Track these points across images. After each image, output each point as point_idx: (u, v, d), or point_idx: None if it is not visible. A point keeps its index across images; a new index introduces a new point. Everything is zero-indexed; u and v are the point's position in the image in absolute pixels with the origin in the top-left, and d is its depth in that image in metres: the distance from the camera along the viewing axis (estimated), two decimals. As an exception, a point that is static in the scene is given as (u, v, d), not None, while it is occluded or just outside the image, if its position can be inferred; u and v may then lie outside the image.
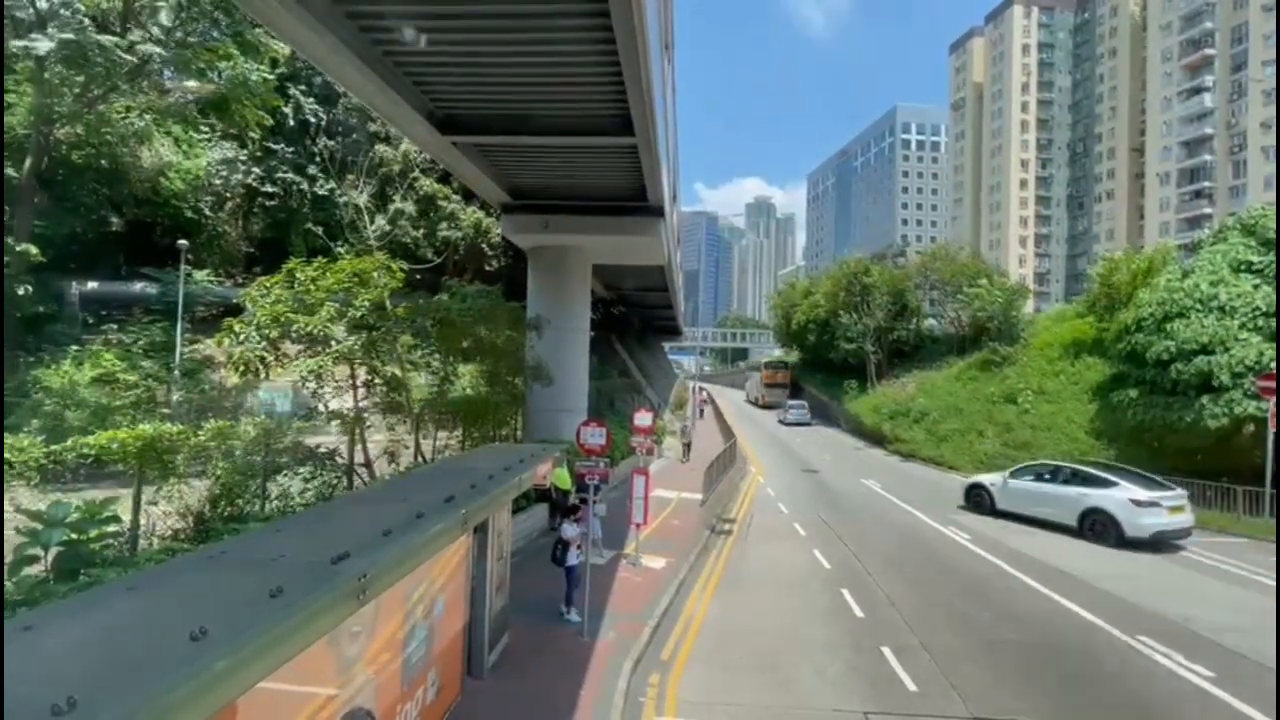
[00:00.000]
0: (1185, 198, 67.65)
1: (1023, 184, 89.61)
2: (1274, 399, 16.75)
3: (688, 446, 27.55)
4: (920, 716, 7.05)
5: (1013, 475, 17.83)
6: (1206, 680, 7.94)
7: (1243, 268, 20.69)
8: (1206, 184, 65.54)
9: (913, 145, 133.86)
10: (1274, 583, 11.62)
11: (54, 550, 5.71)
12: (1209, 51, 65.53)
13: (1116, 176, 78.43)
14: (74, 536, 5.77)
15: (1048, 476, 17.04)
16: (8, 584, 5.49)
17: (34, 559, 5.59)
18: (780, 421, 42.75)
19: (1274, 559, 12.94)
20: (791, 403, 44.41)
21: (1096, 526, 15.08)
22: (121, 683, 1.93)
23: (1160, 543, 14.41)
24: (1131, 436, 21.73)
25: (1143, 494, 14.69)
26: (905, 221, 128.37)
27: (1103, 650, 8.92)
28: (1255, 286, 19.84)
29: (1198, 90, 66.49)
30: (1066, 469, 16.93)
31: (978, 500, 18.41)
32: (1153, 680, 8.02)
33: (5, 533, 5.74)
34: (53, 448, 6.53)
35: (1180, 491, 15.24)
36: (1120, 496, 14.86)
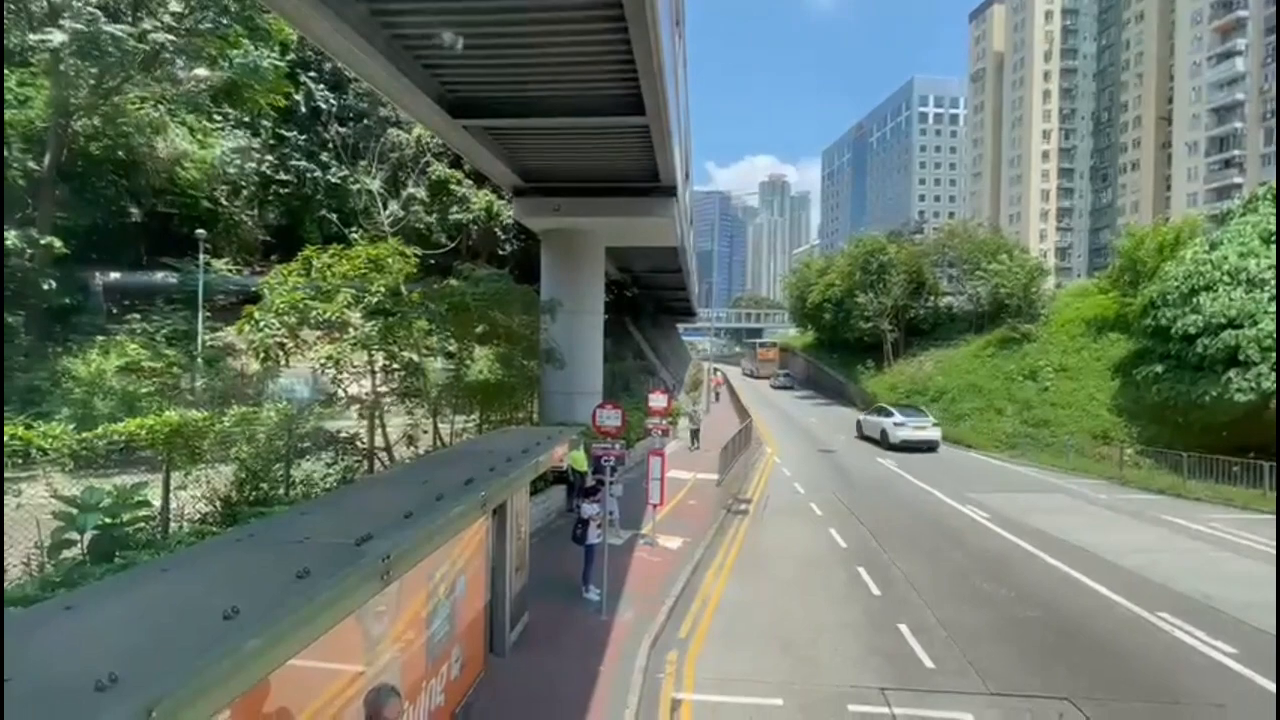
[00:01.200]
0: (1214, 167, 65.53)
1: (1044, 156, 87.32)
2: None
3: (695, 434, 25.20)
4: (937, 693, 7.09)
5: (865, 414, 28.81)
6: (1228, 657, 7.90)
7: (1273, 239, 20.10)
8: (1236, 152, 63.41)
9: (930, 119, 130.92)
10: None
11: (90, 534, 5.89)
12: (1241, 13, 62.96)
13: (1142, 146, 76.14)
14: (108, 520, 5.95)
15: (874, 413, 27.36)
16: (48, 566, 5.70)
17: (71, 543, 5.78)
18: (771, 386, 55.77)
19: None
20: (780, 372, 58.88)
21: (883, 438, 25.30)
22: (160, 660, 2.01)
23: (910, 448, 24.39)
24: (1154, 413, 21.41)
25: (900, 419, 25.23)
26: (923, 197, 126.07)
27: (1122, 627, 8.89)
28: (1286, 258, 19.28)
29: (1229, 54, 64.02)
30: (882, 408, 27.29)
31: (859, 430, 28.25)
32: (1173, 657, 7.99)
33: (42, 517, 5.93)
34: (84, 435, 6.71)
35: (927, 419, 25.52)
36: (890, 421, 25.36)
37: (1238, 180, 61.82)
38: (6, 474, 5.86)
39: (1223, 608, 9.50)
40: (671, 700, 6.87)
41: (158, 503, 6.94)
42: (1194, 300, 19.77)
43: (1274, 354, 17.53)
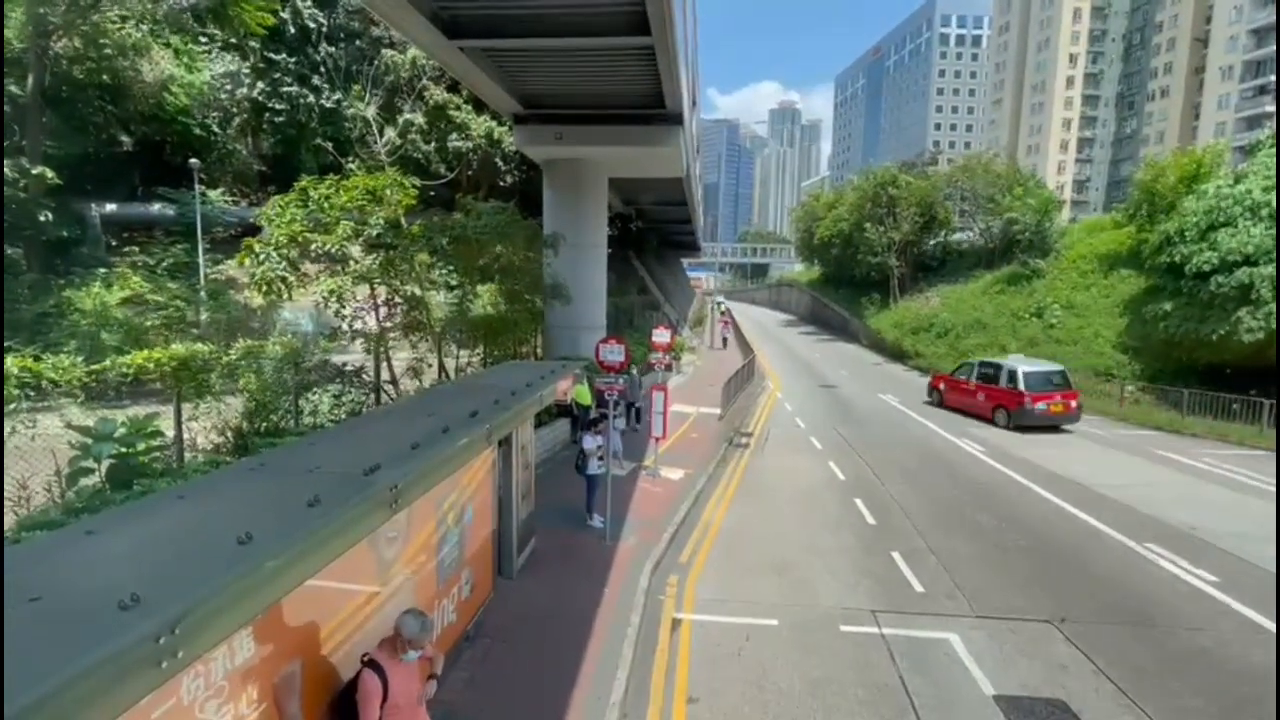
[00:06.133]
0: (1247, 94, 62.45)
1: (1069, 82, 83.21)
2: None
3: (633, 410, 15.75)
4: (925, 615, 7.43)
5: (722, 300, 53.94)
6: (1210, 585, 8.20)
7: (1302, 170, 19.37)
8: (1273, 78, 60.21)
9: (952, 41, 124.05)
10: (1289, 494, 11.67)
11: (107, 462, 6.06)
12: (1296, -80, 58.18)
13: (1174, 71, 72.33)
14: (123, 450, 6.11)
15: (726, 301, 54.86)
16: (69, 494, 5.89)
17: (88, 471, 5.96)
18: (703, 293, 73.86)
19: (1293, 471, 12.96)
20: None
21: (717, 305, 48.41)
22: (179, 582, 2.10)
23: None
24: (1159, 351, 21.35)
25: (724, 300, 54.72)
26: (939, 126, 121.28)
27: (1109, 555, 9.19)
28: (1313, 192, 18.65)
29: (1278, -33, 59.65)
30: (721, 299, 54.03)
31: (717, 306, 48.23)
32: (1157, 584, 8.30)
33: (59, 447, 6.08)
34: (92, 367, 6.79)
35: (727, 302, 54.68)
36: (722, 302, 50.79)
37: (1270, 109, 59.03)
38: (20, 406, 5.97)
39: (1208, 538, 9.79)
40: (672, 620, 7.23)
41: (171, 433, 7.09)
42: (1211, 237, 19.29)
43: (1287, 292, 17.26)
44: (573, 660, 6.17)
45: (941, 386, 21.13)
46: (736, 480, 12.80)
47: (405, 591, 4.59)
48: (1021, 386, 17.56)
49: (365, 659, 3.66)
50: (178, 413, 7.19)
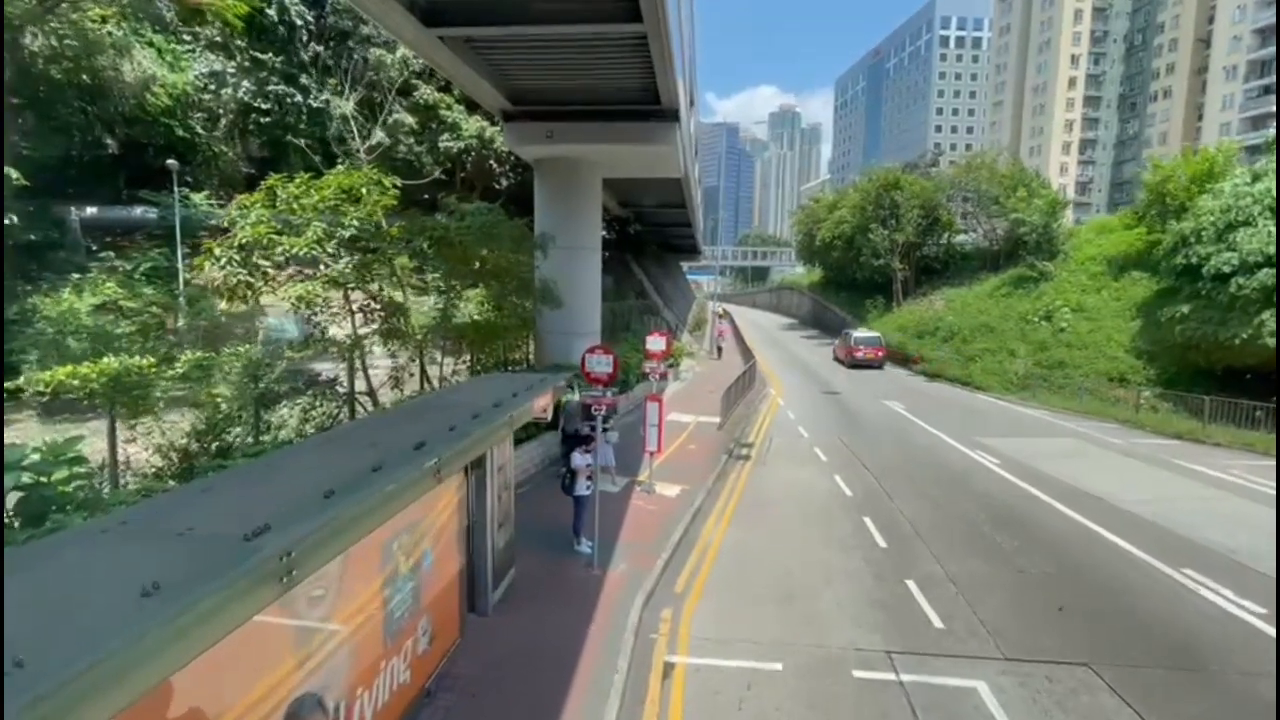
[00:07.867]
0: (1251, 94, 61.74)
1: (1071, 83, 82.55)
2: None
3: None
4: (947, 657, 6.64)
5: (718, 305, 54.02)
6: (1260, 619, 7.41)
7: (1323, 168, 18.64)
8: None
9: (952, 43, 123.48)
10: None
11: (13, 495, 5.29)
12: (1300, -81, 57.54)
13: (1176, 71, 71.65)
14: (32, 480, 5.34)
15: (723, 305, 59.07)
16: (-36, 532, 5.11)
17: (-11, 505, 5.18)
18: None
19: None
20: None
21: (716, 307, 51.50)
22: None
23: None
24: (1175, 355, 20.59)
25: (719, 305, 52.09)
26: (939, 128, 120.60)
27: (1144, 584, 8.40)
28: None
29: (1281, -34, 58.99)
30: (722, 303, 60.04)
31: (719, 309, 51.33)
32: (1202, 617, 7.49)
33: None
34: (7, 385, 6.02)
35: (720, 306, 55.57)
36: (719, 305, 53.14)
37: (1275, 109, 58.30)
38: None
39: (1249, 562, 9.02)
40: (664, 664, 6.45)
41: (100, 458, 6.32)
42: (1229, 237, 18.54)
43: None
44: (550, 717, 5.39)
45: (835, 349, 34.39)
46: (737, 496, 12.02)
47: (337, 660, 3.82)
48: (853, 344, 31.21)
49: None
50: (111, 434, 6.42)
